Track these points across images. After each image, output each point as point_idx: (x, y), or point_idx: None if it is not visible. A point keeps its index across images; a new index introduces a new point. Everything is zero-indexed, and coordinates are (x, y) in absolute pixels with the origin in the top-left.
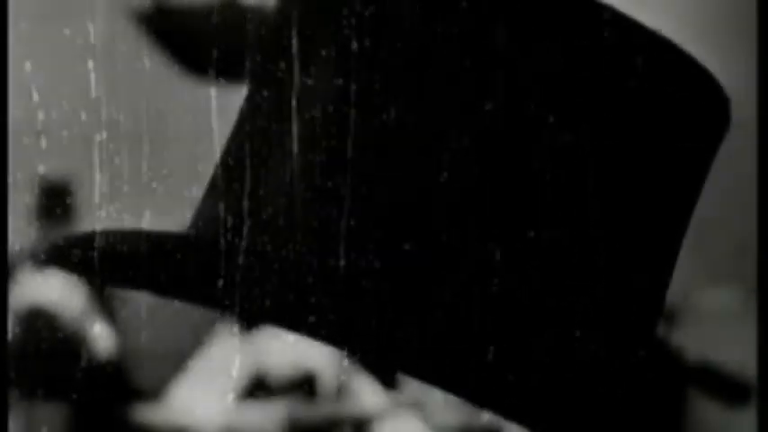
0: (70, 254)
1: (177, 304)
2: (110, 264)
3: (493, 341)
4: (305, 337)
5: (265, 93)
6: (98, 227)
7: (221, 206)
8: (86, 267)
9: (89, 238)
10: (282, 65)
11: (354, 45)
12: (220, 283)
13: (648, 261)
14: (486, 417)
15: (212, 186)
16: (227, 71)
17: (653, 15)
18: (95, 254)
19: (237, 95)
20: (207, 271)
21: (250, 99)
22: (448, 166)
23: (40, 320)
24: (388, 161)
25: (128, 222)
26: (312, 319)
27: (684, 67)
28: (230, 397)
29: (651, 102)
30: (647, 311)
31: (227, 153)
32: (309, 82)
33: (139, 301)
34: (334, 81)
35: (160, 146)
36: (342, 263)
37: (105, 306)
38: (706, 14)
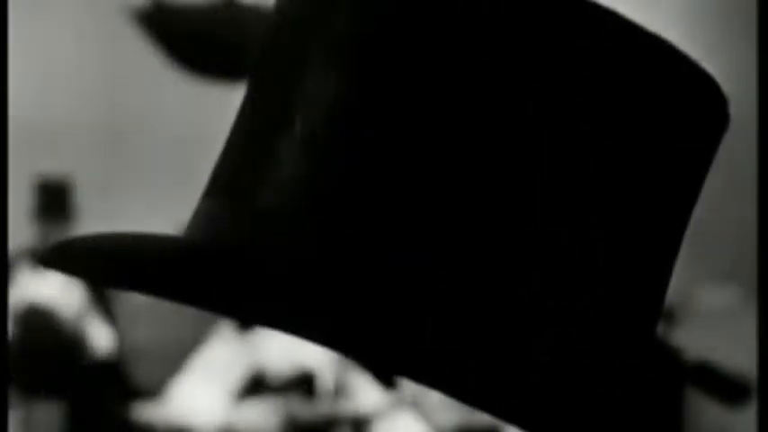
0: (70, 256)
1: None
2: (109, 266)
3: (493, 341)
4: (305, 340)
5: (265, 91)
6: (97, 225)
7: (220, 205)
8: (85, 270)
9: (88, 241)
10: (282, 64)
11: (352, 46)
12: (220, 285)
13: (647, 261)
14: (485, 416)
15: (211, 185)
16: (226, 69)
17: (654, 16)
18: (94, 256)
19: (238, 94)
20: (207, 273)
21: (249, 97)
22: (448, 166)
23: (39, 319)
24: (389, 161)
25: (127, 220)
26: (312, 321)
27: (683, 69)
28: (229, 395)
29: (650, 102)
30: (646, 311)
31: (226, 151)
32: (309, 82)
33: (139, 299)
34: (333, 81)
35: (161, 144)
36: (343, 263)
37: (104, 304)
38: (706, 14)
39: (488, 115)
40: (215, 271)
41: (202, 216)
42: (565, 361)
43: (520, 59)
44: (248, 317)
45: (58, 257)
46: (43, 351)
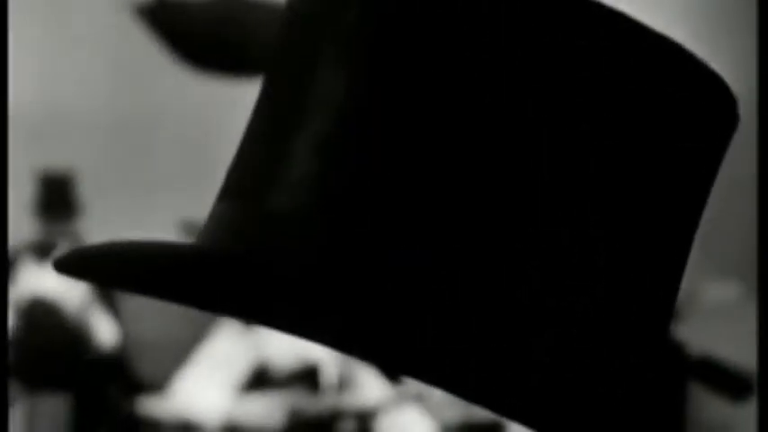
0: (83, 261)
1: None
2: (119, 271)
3: (493, 341)
4: (307, 340)
5: (276, 92)
6: (100, 219)
7: (233, 208)
8: (96, 274)
9: (100, 248)
10: (293, 64)
11: (362, 44)
12: (228, 289)
13: (649, 261)
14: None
15: (225, 188)
16: (228, 65)
17: (654, 16)
18: (106, 261)
19: (242, 90)
20: (216, 278)
21: (262, 98)
22: (448, 165)
23: (44, 313)
24: (388, 161)
25: (131, 215)
26: (311, 322)
27: (688, 68)
28: (233, 389)
29: (653, 102)
30: (649, 311)
31: (239, 153)
32: (322, 81)
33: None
34: (342, 81)
35: (165, 139)
36: (344, 264)
37: (108, 298)
38: (706, 15)
39: (489, 115)
40: (224, 275)
41: (216, 219)
42: (565, 360)
43: (525, 59)
44: (250, 320)
45: (72, 263)
46: (48, 345)
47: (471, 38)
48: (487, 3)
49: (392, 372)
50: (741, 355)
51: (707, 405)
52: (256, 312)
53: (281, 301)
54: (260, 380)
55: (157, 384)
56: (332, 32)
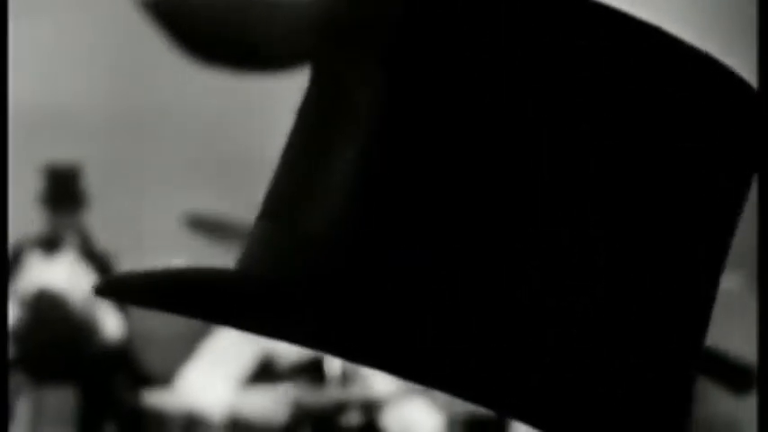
0: (121, 285)
1: None
2: (152, 293)
3: (493, 341)
4: (309, 349)
5: (310, 112)
6: (106, 212)
7: (266, 229)
8: (130, 296)
9: (137, 274)
10: (326, 84)
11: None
12: (270, 314)
13: (651, 261)
14: None
15: (263, 210)
16: (232, 57)
17: (654, 16)
18: (137, 285)
19: (247, 84)
20: (256, 303)
21: (299, 116)
22: (448, 165)
23: (50, 305)
24: (389, 162)
25: (137, 207)
26: (316, 333)
27: (729, 82)
28: (238, 382)
29: (663, 104)
30: (651, 312)
31: (276, 174)
32: (347, 101)
33: None
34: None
35: (171, 131)
36: (347, 266)
37: None
38: (706, 14)
39: (489, 114)
40: (231, 294)
41: (253, 240)
42: (565, 360)
43: (525, 60)
44: (249, 332)
45: (108, 287)
46: (54, 338)
47: (471, 38)
48: (489, 3)
49: (390, 374)
50: (743, 346)
51: (708, 403)
52: (251, 325)
53: (270, 313)
54: (265, 373)
55: (163, 377)
56: (356, 48)
